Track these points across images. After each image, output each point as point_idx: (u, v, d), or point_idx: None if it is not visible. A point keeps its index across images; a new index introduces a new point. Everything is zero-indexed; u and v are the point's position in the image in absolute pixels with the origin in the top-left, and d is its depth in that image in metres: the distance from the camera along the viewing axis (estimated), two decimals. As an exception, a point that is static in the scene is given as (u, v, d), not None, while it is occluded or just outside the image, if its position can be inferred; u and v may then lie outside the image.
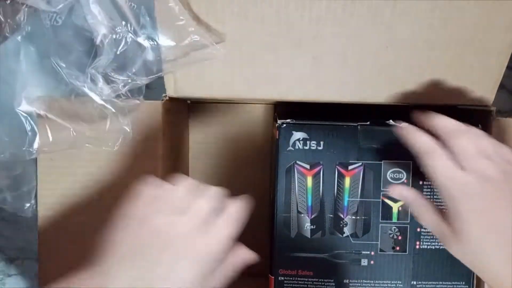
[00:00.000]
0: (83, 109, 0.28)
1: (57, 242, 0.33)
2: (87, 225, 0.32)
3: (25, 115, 0.28)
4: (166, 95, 0.33)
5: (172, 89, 0.33)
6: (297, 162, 0.33)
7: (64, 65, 0.27)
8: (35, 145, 0.28)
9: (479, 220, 0.25)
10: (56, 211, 0.33)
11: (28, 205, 0.32)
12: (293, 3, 0.30)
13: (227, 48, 0.31)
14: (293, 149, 0.33)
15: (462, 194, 0.25)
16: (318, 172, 0.33)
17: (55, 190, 0.33)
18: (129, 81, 0.27)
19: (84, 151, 0.31)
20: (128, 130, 0.29)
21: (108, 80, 0.27)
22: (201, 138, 0.46)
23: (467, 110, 0.35)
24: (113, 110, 0.27)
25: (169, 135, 0.36)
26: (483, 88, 0.33)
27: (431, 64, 0.32)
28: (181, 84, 0.33)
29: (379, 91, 0.32)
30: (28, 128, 0.28)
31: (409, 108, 0.32)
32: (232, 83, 0.33)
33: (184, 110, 0.44)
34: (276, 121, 0.33)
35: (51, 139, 0.28)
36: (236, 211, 0.26)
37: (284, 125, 0.33)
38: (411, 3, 0.30)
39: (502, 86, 0.33)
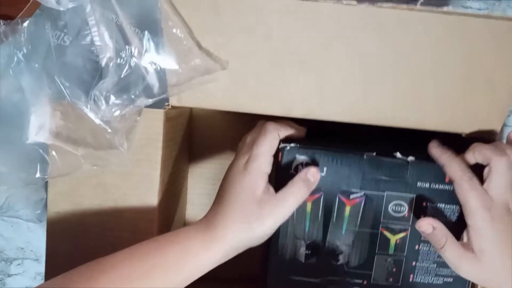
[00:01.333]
0: (85, 131, 0.27)
1: (65, 241, 0.33)
2: (94, 226, 0.33)
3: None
4: (168, 104, 0.32)
5: (175, 99, 0.32)
6: None
7: (67, 84, 0.25)
8: (47, 172, 0.27)
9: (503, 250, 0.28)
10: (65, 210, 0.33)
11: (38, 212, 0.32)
12: (301, 22, 0.29)
13: (234, 62, 0.30)
14: (295, 173, 0.32)
15: (491, 224, 0.28)
16: (318, 199, 0.32)
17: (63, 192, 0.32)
18: (131, 104, 0.25)
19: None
20: (123, 151, 0.27)
21: (110, 102, 0.25)
22: (203, 143, 0.45)
23: (471, 138, 0.34)
24: (110, 131, 0.26)
25: (169, 143, 0.35)
26: (490, 119, 0.32)
27: (438, 91, 0.31)
28: (184, 94, 0.31)
29: (384, 113, 0.32)
30: (39, 156, 0.27)
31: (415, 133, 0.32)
32: (236, 97, 0.32)
33: (186, 115, 0.42)
34: (280, 143, 0.32)
35: (60, 164, 0.27)
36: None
37: (288, 147, 0.32)
38: (420, 27, 0.29)
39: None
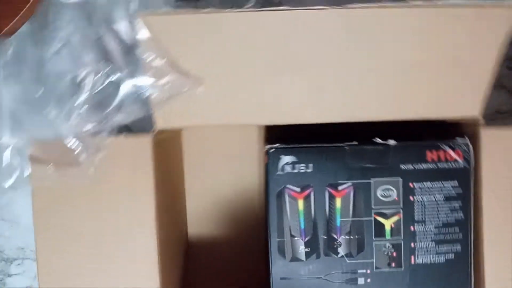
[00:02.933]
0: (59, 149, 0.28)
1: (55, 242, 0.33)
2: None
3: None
4: (155, 128, 0.33)
5: (162, 121, 0.32)
6: (287, 186, 0.33)
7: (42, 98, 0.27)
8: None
9: None
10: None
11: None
12: (281, 31, 0.31)
13: (222, 73, 0.32)
14: (282, 173, 0.33)
15: None
16: (309, 195, 0.33)
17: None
18: (107, 121, 0.27)
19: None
20: (93, 170, 0.29)
21: (85, 119, 0.27)
22: (197, 159, 0.46)
23: (455, 123, 0.36)
24: (81, 148, 0.27)
25: (160, 168, 0.35)
26: (470, 102, 0.33)
27: (418, 81, 0.32)
28: (171, 115, 0.32)
29: (367, 110, 0.33)
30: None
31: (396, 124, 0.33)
32: (225, 110, 0.33)
33: (177, 136, 0.44)
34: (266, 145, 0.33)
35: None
36: None
37: (273, 149, 0.33)
38: (393, 23, 0.31)
39: (502, 86, 0.33)
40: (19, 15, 0.37)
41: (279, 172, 0.33)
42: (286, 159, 0.33)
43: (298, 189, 0.33)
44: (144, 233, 0.32)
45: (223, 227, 0.46)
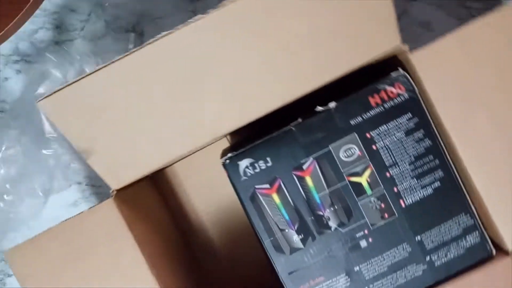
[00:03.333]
0: None
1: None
2: None
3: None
4: (113, 190, 0.33)
5: (115, 182, 0.33)
6: (256, 186, 0.34)
7: None
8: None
9: None
10: None
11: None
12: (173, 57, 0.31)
13: (143, 116, 0.32)
14: (246, 177, 0.34)
15: None
16: (280, 186, 0.34)
17: None
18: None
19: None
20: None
21: None
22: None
23: (386, 64, 0.35)
24: None
25: (138, 223, 0.36)
26: (387, 35, 0.32)
27: (328, 40, 0.32)
28: (120, 172, 0.33)
29: (292, 88, 0.33)
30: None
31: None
32: (164, 147, 0.33)
33: (147, 185, 0.44)
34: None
35: None
36: None
37: (227, 161, 0.34)
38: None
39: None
40: (20, 14, 0.38)
41: (243, 178, 0.34)
42: (244, 163, 0.34)
43: (267, 186, 0.34)
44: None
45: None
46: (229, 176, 0.34)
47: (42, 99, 0.31)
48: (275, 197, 0.34)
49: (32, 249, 0.32)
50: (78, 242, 0.32)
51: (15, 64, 0.57)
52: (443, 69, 0.32)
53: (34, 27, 0.56)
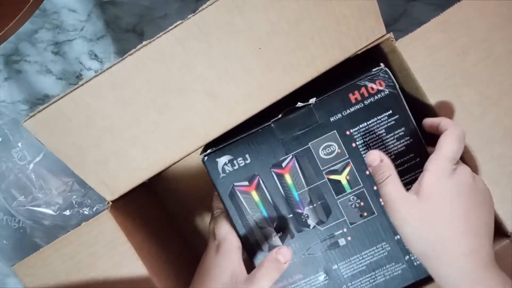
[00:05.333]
0: None
1: None
2: None
3: None
4: (108, 202, 0.34)
5: (109, 193, 0.33)
6: (235, 184, 0.34)
7: None
8: None
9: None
10: None
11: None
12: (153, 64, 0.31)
13: (130, 128, 0.32)
14: (225, 174, 0.34)
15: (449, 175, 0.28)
16: (259, 183, 0.33)
17: None
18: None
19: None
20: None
21: None
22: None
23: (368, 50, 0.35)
24: None
25: (137, 231, 0.36)
26: (372, 25, 0.32)
27: (311, 35, 0.32)
28: (113, 183, 0.33)
29: (282, 85, 0.32)
30: None
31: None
32: (158, 154, 0.33)
33: (143, 192, 0.44)
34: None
35: None
36: None
37: (206, 157, 0.34)
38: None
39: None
40: (20, 14, 0.39)
41: (222, 175, 0.34)
42: (223, 160, 0.34)
43: (246, 183, 0.34)
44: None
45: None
46: (208, 173, 0.34)
47: (27, 119, 0.31)
48: (254, 194, 0.34)
49: (39, 262, 0.33)
50: (80, 255, 0.33)
51: (15, 64, 0.58)
52: (429, 54, 0.32)
53: (34, 27, 0.57)
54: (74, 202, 0.45)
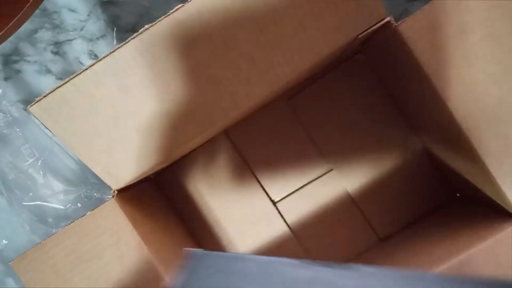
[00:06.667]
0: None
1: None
2: None
3: None
4: (114, 191, 0.33)
5: (115, 182, 0.33)
6: None
7: None
8: None
9: None
10: None
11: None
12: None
13: (132, 115, 0.32)
14: None
15: None
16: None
17: None
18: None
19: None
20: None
21: None
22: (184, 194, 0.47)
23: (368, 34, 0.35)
24: None
25: (143, 223, 0.35)
26: (368, 8, 0.32)
27: (310, 20, 0.32)
28: (119, 171, 0.33)
29: (283, 72, 0.32)
30: None
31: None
32: (158, 144, 0.33)
33: (150, 184, 0.44)
34: None
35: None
36: None
37: None
38: None
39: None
40: (20, 14, 0.39)
41: None
42: None
43: None
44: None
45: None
46: None
47: (33, 104, 0.31)
48: None
49: (38, 257, 0.33)
50: (83, 246, 0.33)
51: (15, 64, 0.58)
52: (430, 35, 0.32)
53: (34, 27, 0.57)
54: (83, 195, 0.45)
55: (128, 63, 0.31)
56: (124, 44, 0.30)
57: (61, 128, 0.32)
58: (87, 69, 0.31)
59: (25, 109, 0.57)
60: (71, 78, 0.31)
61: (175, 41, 0.31)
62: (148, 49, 0.31)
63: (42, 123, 0.31)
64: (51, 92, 0.31)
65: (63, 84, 0.31)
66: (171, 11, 0.30)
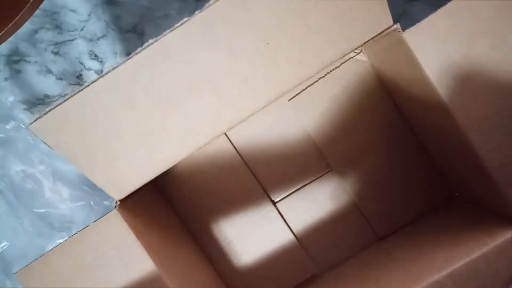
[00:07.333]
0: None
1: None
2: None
3: None
4: (116, 201, 0.33)
5: (117, 192, 0.33)
6: None
7: None
8: None
9: None
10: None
11: None
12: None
13: (134, 126, 0.32)
14: None
15: None
16: None
17: None
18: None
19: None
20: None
21: None
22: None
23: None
24: None
25: (146, 230, 0.35)
26: (379, 16, 0.32)
27: (316, 28, 0.31)
28: (121, 182, 0.33)
29: (288, 79, 0.32)
30: None
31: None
32: (165, 152, 0.33)
33: (150, 190, 0.44)
34: None
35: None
36: None
37: None
38: None
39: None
40: (20, 14, 0.39)
41: None
42: None
43: None
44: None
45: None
46: None
47: (33, 122, 0.31)
48: None
49: (43, 268, 0.33)
50: (87, 257, 0.33)
51: (15, 64, 0.57)
52: (437, 43, 0.32)
53: (34, 27, 0.56)
54: (92, 203, 0.45)
55: (131, 78, 0.31)
56: (128, 59, 0.30)
57: (62, 143, 0.32)
58: (89, 84, 0.30)
59: (25, 110, 0.56)
60: (73, 95, 0.30)
61: (179, 55, 0.30)
62: (152, 62, 0.30)
63: (42, 141, 0.31)
64: (52, 108, 0.30)
65: (65, 100, 0.30)
66: (177, 25, 0.30)
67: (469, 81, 0.32)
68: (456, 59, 0.31)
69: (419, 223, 0.46)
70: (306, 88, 0.46)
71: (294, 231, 0.48)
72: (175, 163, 0.33)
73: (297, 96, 0.46)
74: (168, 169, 0.42)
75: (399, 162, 0.47)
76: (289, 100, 0.46)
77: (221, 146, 0.46)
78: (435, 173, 0.47)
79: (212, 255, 0.47)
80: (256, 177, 0.47)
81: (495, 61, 0.31)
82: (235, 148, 0.46)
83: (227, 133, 0.46)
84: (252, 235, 0.47)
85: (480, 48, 0.31)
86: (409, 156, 0.46)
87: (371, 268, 0.39)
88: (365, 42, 0.32)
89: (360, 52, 0.45)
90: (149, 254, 0.32)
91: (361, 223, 0.48)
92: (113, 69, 0.30)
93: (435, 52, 0.32)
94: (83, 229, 0.32)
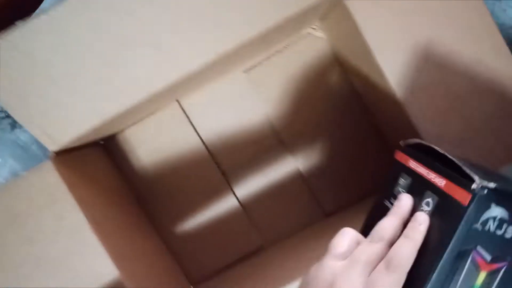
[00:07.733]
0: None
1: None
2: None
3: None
4: (51, 151, 0.32)
5: (51, 143, 0.32)
6: (478, 247, 0.23)
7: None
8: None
9: None
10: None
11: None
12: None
13: (72, 75, 0.31)
14: (481, 228, 0.23)
15: None
16: (498, 270, 0.23)
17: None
18: None
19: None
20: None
21: None
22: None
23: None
24: None
25: (82, 187, 0.35)
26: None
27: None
28: (56, 133, 0.32)
29: (229, 37, 0.32)
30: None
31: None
32: (102, 104, 0.32)
33: (98, 152, 0.43)
34: (466, 184, 0.23)
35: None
36: None
37: (485, 191, 0.22)
38: None
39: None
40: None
41: (477, 226, 0.23)
42: (496, 211, 0.23)
43: (488, 257, 0.24)
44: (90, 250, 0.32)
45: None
46: (465, 208, 0.22)
47: None
48: (481, 276, 0.23)
49: None
50: (18, 206, 0.32)
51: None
52: (379, 14, 0.32)
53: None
54: None
55: (66, 24, 0.30)
56: (62, 2, 0.29)
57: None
58: (22, 25, 0.29)
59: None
60: (5, 34, 0.29)
61: (118, 5, 0.30)
62: (89, 9, 0.30)
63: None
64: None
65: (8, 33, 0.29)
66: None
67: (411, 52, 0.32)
68: (399, 28, 0.32)
69: (368, 201, 0.47)
70: (263, 61, 0.46)
71: (242, 203, 0.48)
72: (113, 115, 0.32)
73: (255, 71, 0.46)
74: (119, 132, 0.42)
75: (351, 139, 0.47)
76: (244, 71, 0.46)
77: (173, 114, 0.46)
78: (385, 151, 0.47)
79: (155, 220, 0.47)
80: (207, 147, 0.47)
81: (431, 30, 0.32)
82: (187, 116, 0.46)
83: (180, 101, 0.46)
84: (200, 205, 0.47)
85: (421, 17, 0.32)
86: (361, 134, 0.47)
87: (318, 242, 0.40)
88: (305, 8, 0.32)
89: (317, 29, 0.45)
90: (82, 209, 0.32)
91: (309, 199, 0.48)
92: (46, 11, 0.29)
93: (378, 21, 0.32)
94: (13, 179, 0.32)
